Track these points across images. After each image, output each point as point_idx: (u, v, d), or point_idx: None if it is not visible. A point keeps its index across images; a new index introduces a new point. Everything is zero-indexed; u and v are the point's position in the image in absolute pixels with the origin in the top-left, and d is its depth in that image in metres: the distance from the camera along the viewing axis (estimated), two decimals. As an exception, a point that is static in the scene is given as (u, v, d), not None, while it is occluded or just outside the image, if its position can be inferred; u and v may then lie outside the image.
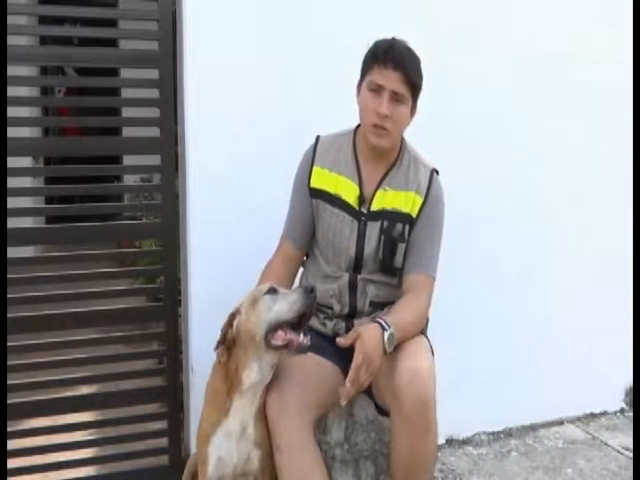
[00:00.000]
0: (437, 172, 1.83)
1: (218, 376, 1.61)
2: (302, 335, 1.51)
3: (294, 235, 1.86)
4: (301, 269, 1.94)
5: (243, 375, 1.55)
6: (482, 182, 2.55)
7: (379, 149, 1.75)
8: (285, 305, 1.51)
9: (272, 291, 1.56)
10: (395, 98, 1.67)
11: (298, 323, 1.53)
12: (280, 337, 1.51)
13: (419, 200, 1.77)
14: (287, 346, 1.51)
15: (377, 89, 1.68)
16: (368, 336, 1.55)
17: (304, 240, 1.87)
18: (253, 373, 1.55)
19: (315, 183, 1.81)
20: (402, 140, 1.82)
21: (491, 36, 2.52)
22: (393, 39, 1.71)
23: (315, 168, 1.82)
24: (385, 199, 1.78)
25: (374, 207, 1.78)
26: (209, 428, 1.60)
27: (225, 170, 2.19)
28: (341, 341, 1.60)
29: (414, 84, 1.68)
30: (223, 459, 1.58)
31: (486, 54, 2.52)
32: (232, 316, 1.59)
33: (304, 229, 1.86)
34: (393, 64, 1.65)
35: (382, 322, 1.59)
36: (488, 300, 2.63)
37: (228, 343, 1.57)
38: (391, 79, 1.66)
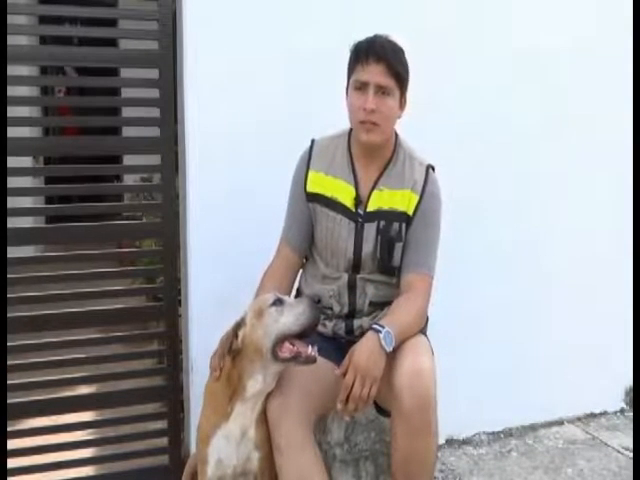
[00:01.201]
0: (433, 168, 1.82)
1: (219, 380, 1.61)
2: (310, 347, 1.52)
3: (292, 239, 1.86)
4: (300, 271, 1.94)
5: (247, 384, 1.55)
6: (484, 180, 2.56)
7: (371, 145, 1.74)
8: (292, 317, 1.51)
9: (278, 302, 1.55)
10: (381, 91, 1.67)
11: (303, 332, 1.53)
12: (287, 349, 1.51)
13: (415, 198, 1.77)
14: (295, 358, 1.51)
15: (362, 87, 1.68)
16: (358, 351, 1.56)
17: (303, 244, 1.87)
18: (257, 383, 1.55)
19: (311, 187, 1.81)
20: (396, 137, 1.82)
21: (492, 33, 2.53)
22: (374, 35, 1.71)
23: (311, 172, 1.82)
24: (381, 199, 1.77)
25: (370, 208, 1.77)
26: (209, 430, 1.60)
27: (225, 170, 2.19)
28: (336, 372, 1.60)
29: (398, 74, 1.67)
30: (222, 461, 1.59)
31: (486, 51, 2.53)
32: (237, 327, 1.58)
33: (302, 233, 1.85)
34: (375, 58, 1.65)
35: (375, 326, 1.60)
36: (488, 300, 2.63)
37: (233, 353, 1.57)
38: (374, 73, 1.66)
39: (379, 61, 1.65)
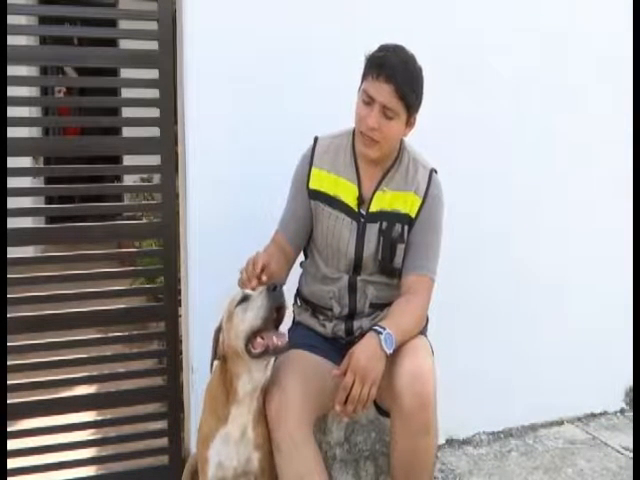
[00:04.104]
0: (436, 172, 1.82)
1: (216, 383, 1.62)
2: (275, 337, 1.49)
3: (287, 232, 1.84)
4: (300, 270, 1.94)
5: (238, 386, 1.56)
6: (488, 185, 2.56)
7: (368, 158, 1.75)
8: (253, 313, 1.50)
9: (243, 300, 1.53)
10: (385, 112, 1.65)
11: (277, 319, 1.51)
12: (259, 344, 1.50)
13: (418, 200, 1.77)
14: (266, 351, 1.50)
15: (369, 100, 1.66)
16: (358, 352, 1.56)
17: (297, 240, 1.85)
18: (245, 383, 1.56)
19: (314, 184, 1.81)
20: (401, 140, 1.81)
21: (493, 34, 2.53)
22: (393, 49, 1.67)
23: (314, 170, 1.81)
24: (384, 200, 1.77)
25: (373, 208, 1.77)
26: (208, 433, 1.60)
27: (225, 170, 2.19)
28: (335, 372, 1.59)
29: (406, 98, 1.64)
30: (223, 463, 1.58)
31: (488, 52, 2.53)
32: (217, 332, 1.59)
33: (300, 230, 1.85)
34: (385, 77, 1.62)
35: (376, 327, 1.59)
36: (488, 301, 2.64)
37: (220, 358, 1.58)
38: (382, 92, 1.63)
39: (388, 81, 1.61)
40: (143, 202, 3.59)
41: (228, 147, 2.20)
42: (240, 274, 1.61)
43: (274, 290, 1.47)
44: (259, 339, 1.50)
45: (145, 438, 2.30)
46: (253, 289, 1.55)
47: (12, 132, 1.87)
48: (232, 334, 1.54)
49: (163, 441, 2.29)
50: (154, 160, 2.15)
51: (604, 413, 2.99)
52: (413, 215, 1.77)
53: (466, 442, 2.71)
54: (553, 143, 2.70)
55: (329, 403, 1.65)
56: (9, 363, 1.94)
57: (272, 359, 1.59)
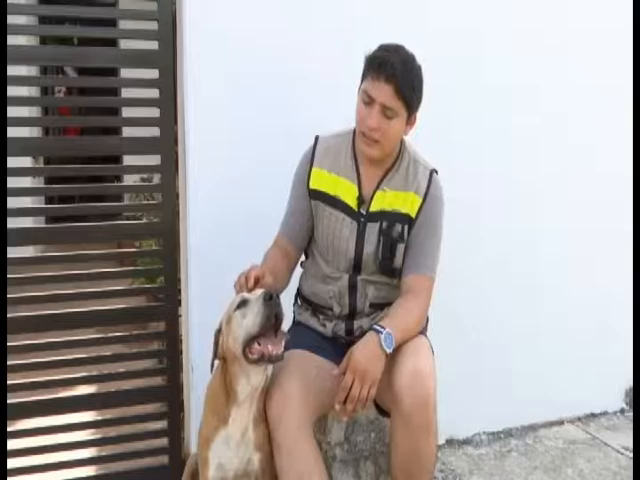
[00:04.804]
0: (436, 172, 1.82)
1: (216, 384, 1.62)
2: (270, 346, 1.48)
3: (290, 233, 1.85)
4: (301, 270, 1.94)
5: (237, 389, 1.56)
6: (488, 183, 2.56)
7: (370, 158, 1.75)
8: (250, 319, 1.49)
9: (242, 304, 1.53)
10: (385, 112, 1.65)
11: (276, 325, 1.50)
12: (256, 350, 1.49)
13: (418, 200, 1.77)
14: (262, 358, 1.50)
15: (369, 100, 1.66)
16: (357, 352, 1.56)
17: (299, 239, 1.86)
18: (244, 386, 1.56)
19: (314, 184, 1.81)
20: (402, 141, 1.81)
21: (494, 34, 2.53)
22: (393, 49, 1.67)
23: (314, 169, 1.81)
24: (384, 200, 1.77)
25: (373, 208, 1.77)
26: (209, 434, 1.60)
27: (225, 170, 2.19)
28: (334, 372, 1.60)
29: (406, 98, 1.64)
30: (224, 464, 1.59)
31: (487, 52, 2.53)
32: (217, 334, 1.59)
33: (301, 230, 1.85)
34: (385, 77, 1.61)
35: (376, 327, 1.59)
36: (489, 300, 2.64)
37: (220, 360, 1.59)
38: (382, 92, 1.63)
39: (388, 81, 1.61)
40: (143, 202, 3.59)
41: (228, 147, 2.20)
42: (234, 288, 1.61)
43: (270, 299, 1.47)
44: (256, 345, 1.50)
45: (145, 438, 2.29)
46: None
47: (12, 132, 1.87)
48: (231, 339, 1.54)
49: (163, 441, 2.28)
50: (154, 160, 2.15)
51: (604, 413, 2.99)
52: (413, 215, 1.77)
53: (466, 442, 2.71)
54: (553, 143, 2.70)
55: (329, 403, 1.65)
56: (9, 363, 1.94)
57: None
